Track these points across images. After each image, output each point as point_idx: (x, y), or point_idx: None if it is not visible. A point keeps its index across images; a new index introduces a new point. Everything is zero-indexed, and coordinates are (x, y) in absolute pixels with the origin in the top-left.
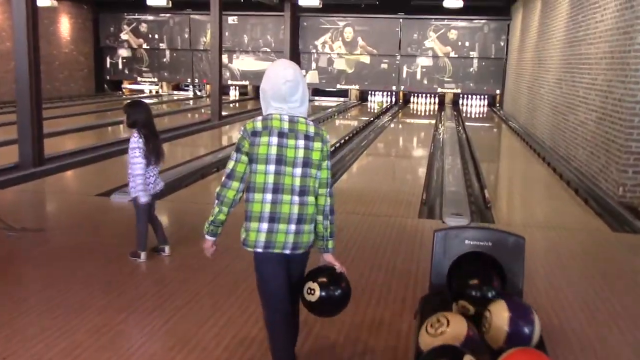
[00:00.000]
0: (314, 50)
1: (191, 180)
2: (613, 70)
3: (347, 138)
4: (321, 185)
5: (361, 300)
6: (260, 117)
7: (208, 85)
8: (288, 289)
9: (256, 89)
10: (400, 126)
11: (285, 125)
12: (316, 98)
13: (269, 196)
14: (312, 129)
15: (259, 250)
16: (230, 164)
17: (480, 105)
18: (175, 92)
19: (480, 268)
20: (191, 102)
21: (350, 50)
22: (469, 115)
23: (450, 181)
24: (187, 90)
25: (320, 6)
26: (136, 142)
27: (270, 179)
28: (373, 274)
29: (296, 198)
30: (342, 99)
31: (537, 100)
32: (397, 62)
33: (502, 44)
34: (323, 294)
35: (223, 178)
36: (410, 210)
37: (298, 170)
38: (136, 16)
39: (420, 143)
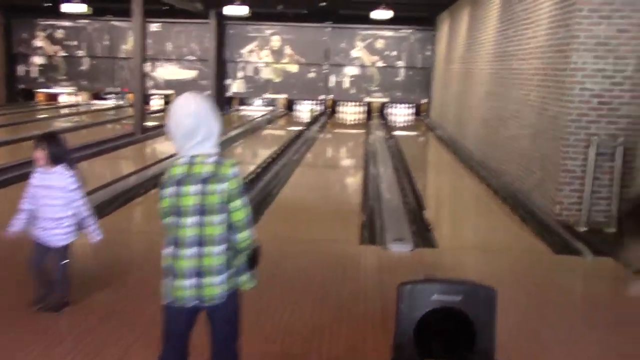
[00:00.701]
0: (240, 59)
1: (115, 206)
2: (547, 87)
3: (278, 152)
4: (238, 227)
5: (311, 343)
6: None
7: (130, 94)
8: (189, 337)
9: None
10: (330, 136)
11: (183, 171)
12: (241, 107)
13: (170, 250)
14: (208, 169)
15: (168, 302)
16: None
17: (407, 114)
18: (95, 102)
19: (449, 324)
20: (112, 111)
21: (277, 59)
22: (396, 124)
23: (388, 199)
24: (107, 100)
25: (249, 15)
26: (75, 179)
27: (172, 232)
28: (316, 315)
29: (194, 251)
30: (269, 108)
31: (465, 111)
32: (325, 71)
33: (428, 53)
34: None
35: None
36: (350, 234)
37: (193, 220)
38: (51, 22)
39: (352, 155)
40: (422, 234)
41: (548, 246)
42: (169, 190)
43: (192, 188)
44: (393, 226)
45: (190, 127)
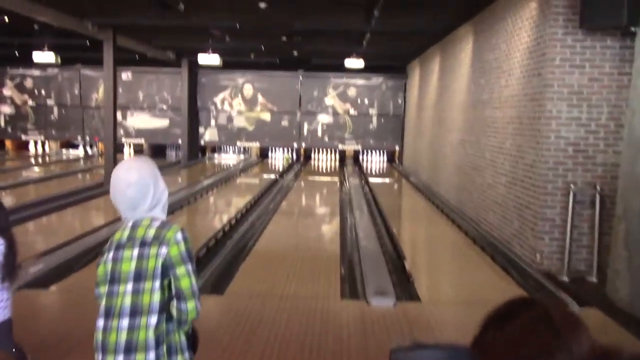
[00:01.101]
0: (212, 107)
1: (84, 262)
2: (522, 135)
3: (253, 201)
4: (183, 296)
5: None
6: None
7: (100, 143)
8: None
9: (152, 147)
10: (305, 184)
11: (125, 235)
12: (215, 155)
13: (100, 323)
14: (151, 233)
15: None
16: None
17: (380, 161)
18: (64, 151)
19: None
20: (82, 161)
21: (250, 107)
22: (369, 171)
23: (366, 248)
24: (77, 149)
25: (221, 65)
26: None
27: (104, 302)
28: None
29: (125, 322)
30: (242, 156)
31: (439, 159)
32: (298, 119)
33: (399, 101)
34: None
35: None
36: (331, 287)
37: (129, 287)
38: (21, 71)
39: (328, 202)
40: (403, 285)
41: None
42: (109, 256)
43: (134, 252)
44: (374, 278)
45: (135, 197)
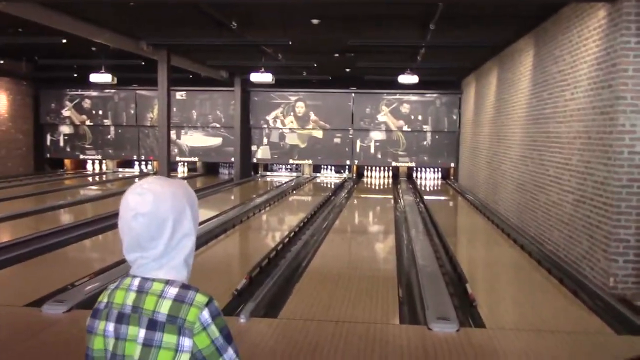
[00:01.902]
0: (265, 125)
1: None
2: (590, 151)
3: (306, 220)
4: None
5: None
6: (114, 284)
7: (155, 162)
8: None
9: (206, 165)
10: (358, 202)
11: (130, 300)
12: (267, 174)
13: None
14: (165, 307)
15: None
16: None
17: (434, 178)
18: (120, 170)
19: None
20: (137, 180)
21: (302, 124)
22: (424, 188)
23: (425, 269)
24: (133, 167)
25: (273, 82)
26: None
27: None
28: None
29: None
30: (295, 174)
31: (498, 176)
32: (350, 136)
33: (454, 117)
34: None
35: None
36: (389, 312)
37: None
38: (79, 92)
39: (382, 221)
40: (465, 310)
41: (608, 325)
42: (106, 326)
43: (140, 332)
44: (434, 301)
45: (141, 234)
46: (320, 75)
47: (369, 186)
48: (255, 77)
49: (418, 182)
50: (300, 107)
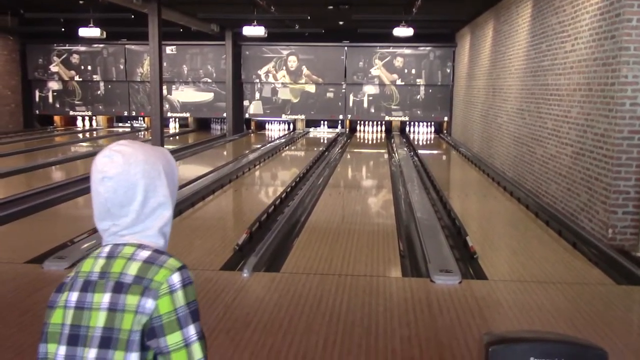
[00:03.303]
0: (257, 80)
1: None
2: (591, 103)
3: (301, 175)
4: None
5: None
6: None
7: (147, 118)
8: None
9: (197, 120)
10: (352, 157)
11: (98, 266)
12: (259, 129)
13: None
14: (133, 269)
15: None
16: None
17: (427, 132)
18: (113, 127)
19: None
20: (129, 136)
21: (294, 79)
22: (417, 143)
23: (424, 223)
24: (126, 122)
25: (265, 36)
26: None
27: None
28: None
29: None
30: (288, 129)
31: (493, 129)
32: (343, 90)
33: (448, 70)
34: None
35: None
36: (391, 265)
37: (91, 354)
38: (67, 47)
39: (378, 175)
40: (466, 262)
41: (608, 276)
42: (68, 296)
43: (103, 297)
44: (436, 255)
45: (109, 200)
46: (314, 28)
47: (362, 141)
48: (248, 30)
49: (411, 136)
50: (293, 62)
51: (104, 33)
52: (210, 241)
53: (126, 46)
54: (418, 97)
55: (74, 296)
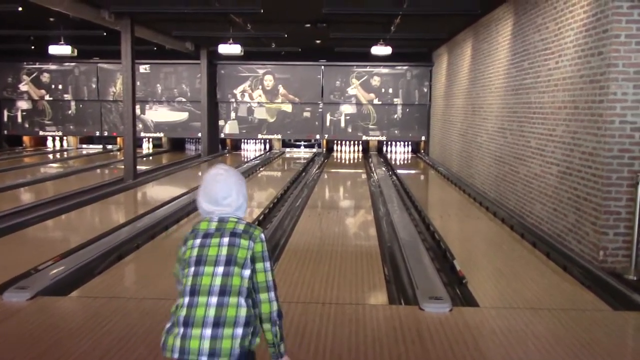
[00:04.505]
0: (232, 100)
1: (105, 266)
2: (578, 121)
3: (279, 196)
4: (261, 289)
5: None
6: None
7: (119, 138)
8: None
9: (172, 141)
10: (329, 177)
11: (213, 226)
12: (235, 149)
13: (186, 299)
14: (241, 227)
15: (175, 356)
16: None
17: (404, 152)
18: (84, 146)
19: None
20: (102, 156)
21: (271, 98)
22: (395, 162)
23: (409, 245)
24: (96, 144)
25: (242, 54)
26: None
27: (189, 281)
28: None
29: (214, 299)
30: (264, 149)
31: (473, 148)
32: (320, 109)
33: (425, 90)
34: None
35: None
36: (377, 292)
37: (219, 269)
38: (37, 65)
39: (357, 195)
40: (455, 287)
41: (603, 300)
42: (196, 242)
43: (224, 240)
44: (423, 280)
45: (221, 191)
46: (290, 47)
47: (339, 161)
48: (224, 48)
49: (389, 155)
50: (269, 81)
51: (75, 51)
52: None
53: (98, 65)
54: (395, 116)
55: (198, 242)
